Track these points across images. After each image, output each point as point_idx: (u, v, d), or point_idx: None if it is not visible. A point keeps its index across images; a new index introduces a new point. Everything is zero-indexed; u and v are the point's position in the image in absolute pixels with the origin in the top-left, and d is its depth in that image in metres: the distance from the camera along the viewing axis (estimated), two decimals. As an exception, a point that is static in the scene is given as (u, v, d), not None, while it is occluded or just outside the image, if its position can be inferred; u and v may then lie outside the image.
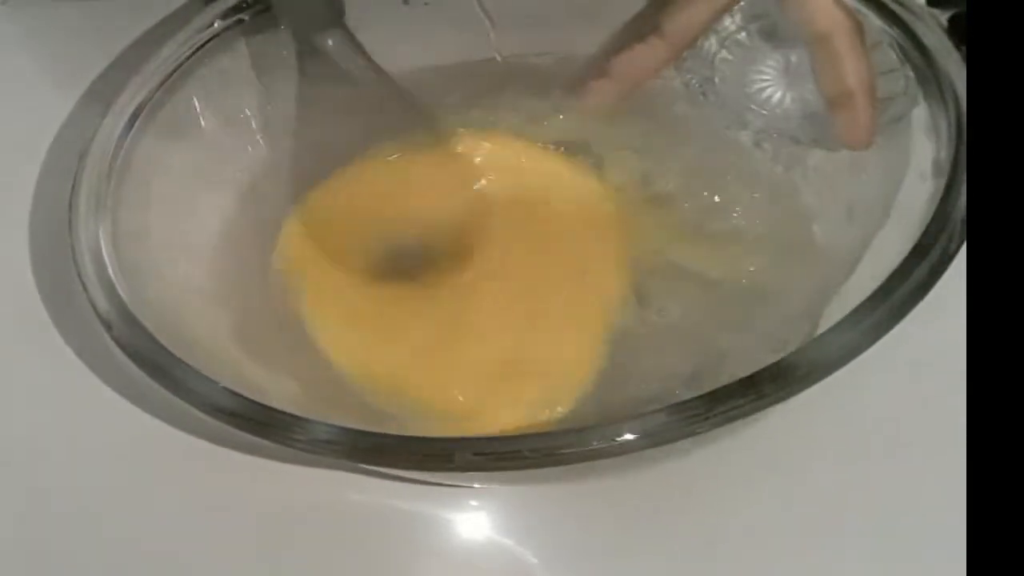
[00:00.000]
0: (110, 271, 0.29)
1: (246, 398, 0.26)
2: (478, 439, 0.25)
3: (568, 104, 0.37)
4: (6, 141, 0.42)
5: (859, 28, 0.32)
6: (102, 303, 0.28)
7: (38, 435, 0.34)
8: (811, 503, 0.31)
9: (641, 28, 0.35)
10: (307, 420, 0.25)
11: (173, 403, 0.26)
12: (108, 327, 0.28)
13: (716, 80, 0.37)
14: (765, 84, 0.36)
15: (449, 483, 0.32)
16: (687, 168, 0.37)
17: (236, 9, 0.36)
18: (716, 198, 0.36)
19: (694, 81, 0.37)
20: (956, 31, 0.33)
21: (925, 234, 0.27)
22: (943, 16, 0.36)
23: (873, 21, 0.33)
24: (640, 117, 0.37)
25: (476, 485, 0.33)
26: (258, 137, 0.37)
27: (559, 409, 0.32)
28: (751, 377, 0.25)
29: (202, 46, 0.35)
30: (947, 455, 0.29)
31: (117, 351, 0.28)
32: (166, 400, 0.27)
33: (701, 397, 0.24)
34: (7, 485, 0.33)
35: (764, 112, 0.36)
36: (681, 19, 0.34)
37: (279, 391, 0.29)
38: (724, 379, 0.25)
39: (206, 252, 0.34)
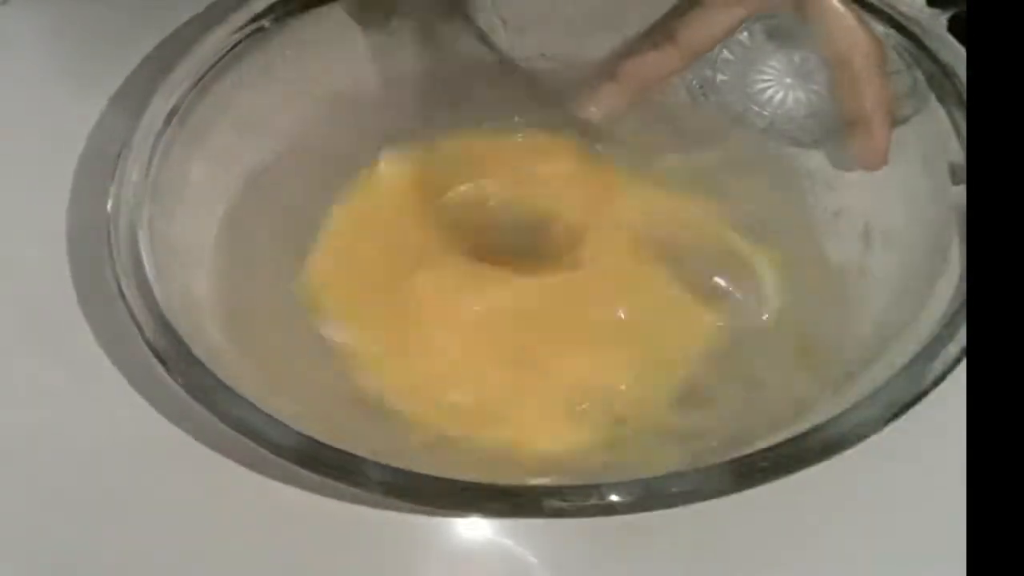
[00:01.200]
0: (156, 293, 0.29)
1: (321, 442, 0.26)
2: (562, 488, 0.25)
3: (576, 107, 0.37)
4: (39, 145, 0.41)
5: (880, 51, 0.32)
6: (160, 343, 0.28)
7: (72, 439, 0.34)
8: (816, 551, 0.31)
9: (656, 36, 0.35)
10: (378, 464, 0.26)
11: (192, 410, 0.27)
12: (167, 368, 0.28)
13: (717, 80, 0.37)
14: (767, 84, 0.36)
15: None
16: (687, 169, 0.37)
17: (255, 18, 0.35)
18: (716, 200, 0.36)
19: (695, 81, 0.37)
20: (956, 31, 0.33)
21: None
22: (943, 16, 0.36)
23: (877, 25, 0.33)
24: (640, 117, 0.37)
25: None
26: (285, 140, 0.36)
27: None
28: (773, 448, 0.26)
29: (232, 48, 0.34)
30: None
31: (153, 361, 0.28)
32: (185, 406, 0.27)
33: (738, 460, 0.25)
34: (26, 484, 0.33)
35: (766, 113, 0.36)
36: (698, 29, 0.34)
37: (304, 410, 0.29)
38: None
39: (231, 264, 0.33)
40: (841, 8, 0.32)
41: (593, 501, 0.25)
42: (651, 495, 0.25)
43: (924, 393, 0.27)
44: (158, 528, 0.32)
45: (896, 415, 0.26)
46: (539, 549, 0.31)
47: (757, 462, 0.25)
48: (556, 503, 0.25)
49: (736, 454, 0.26)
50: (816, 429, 0.26)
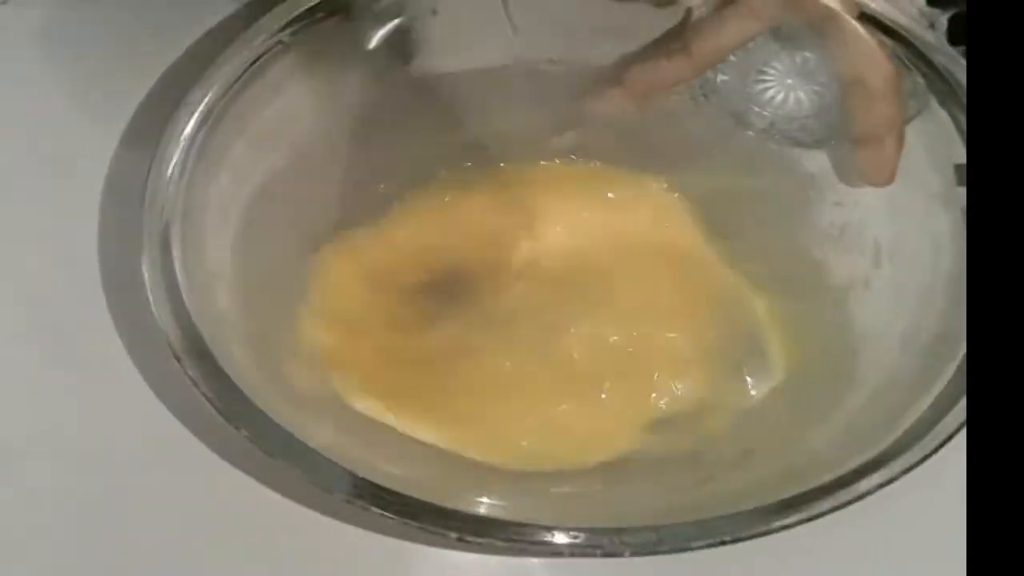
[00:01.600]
0: (188, 307, 0.29)
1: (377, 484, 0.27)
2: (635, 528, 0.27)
3: (579, 111, 0.37)
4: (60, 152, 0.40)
5: (897, 73, 0.32)
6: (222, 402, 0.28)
7: (97, 445, 0.34)
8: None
9: (668, 44, 0.35)
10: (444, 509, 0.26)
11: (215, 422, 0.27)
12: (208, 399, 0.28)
13: (718, 81, 0.37)
14: (768, 85, 0.36)
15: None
16: (686, 169, 0.37)
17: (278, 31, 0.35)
18: (716, 202, 0.36)
19: (696, 82, 0.37)
20: (956, 31, 0.33)
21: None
22: (943, 16, 0.36)
23: (875, 29, 0.33)
24: (640, 118, 0.37)
25: None
26: (304, 154, 0.36)
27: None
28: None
29: (255, 62, 0.34)
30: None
31: (178, 373, 0.28)
32: (211, 420, 0.27)
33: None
34: (43, 489, 0.33)
35: (766, 113, 0.36)
36: (711, 40, 0.34)
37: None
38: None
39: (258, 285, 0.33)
40: (860, 30, 0.32)
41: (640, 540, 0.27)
42: (703, 532, 0.27)
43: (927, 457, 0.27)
44: (163, 533, 0.32)
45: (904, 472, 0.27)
46: (540, 549, 0.31)
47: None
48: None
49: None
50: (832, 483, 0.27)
